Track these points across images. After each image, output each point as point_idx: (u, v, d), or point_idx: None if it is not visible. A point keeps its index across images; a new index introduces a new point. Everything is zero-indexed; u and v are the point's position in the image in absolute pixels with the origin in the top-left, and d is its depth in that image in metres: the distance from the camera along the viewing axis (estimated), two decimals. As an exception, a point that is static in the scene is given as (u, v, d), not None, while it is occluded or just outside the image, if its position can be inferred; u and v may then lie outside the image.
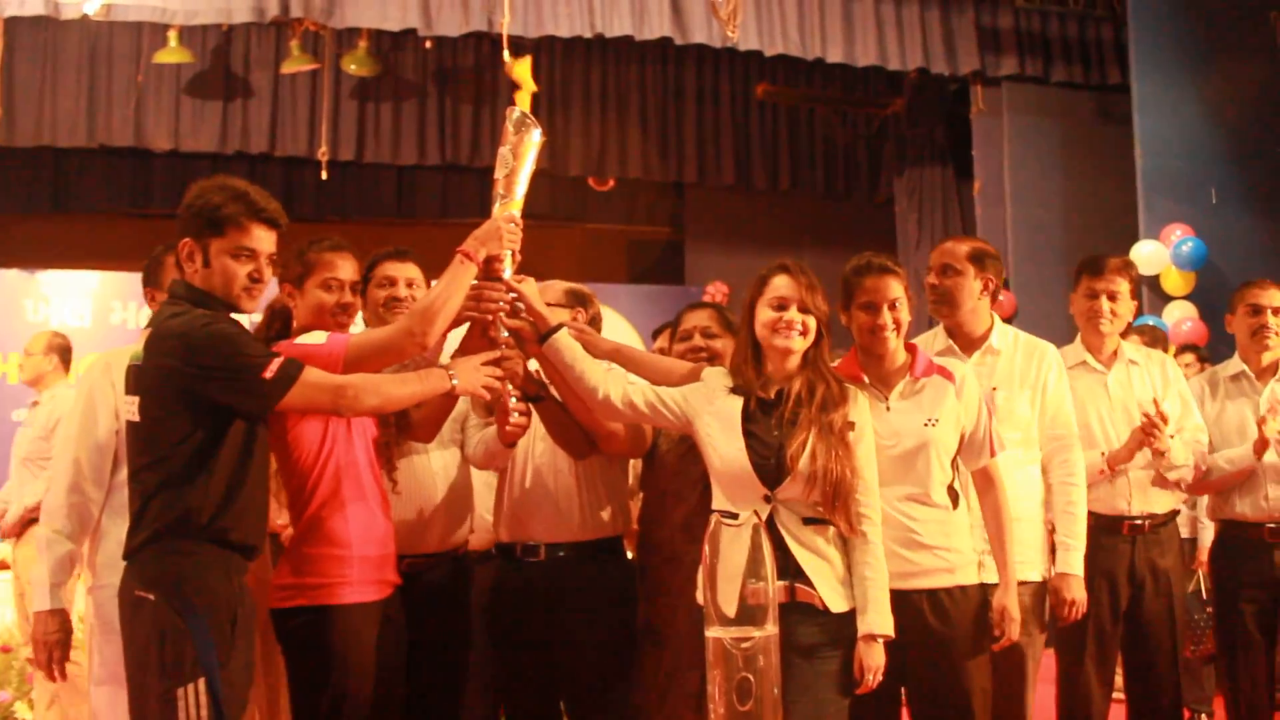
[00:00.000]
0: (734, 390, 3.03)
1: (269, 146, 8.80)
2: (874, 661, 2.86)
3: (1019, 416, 3.51)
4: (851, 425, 2.95)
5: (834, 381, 3.00)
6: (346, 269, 3.18)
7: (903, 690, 3.16)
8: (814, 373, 3.00)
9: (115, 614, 2.84)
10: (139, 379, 2.78)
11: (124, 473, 3.19)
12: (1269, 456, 3.99)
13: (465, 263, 3.02)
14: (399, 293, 3.38)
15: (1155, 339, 5.69)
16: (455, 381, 2.96)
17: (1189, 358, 6.11)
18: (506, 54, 7.21)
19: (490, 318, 3.11)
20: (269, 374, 2.69)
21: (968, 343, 3.61)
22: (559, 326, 3.09)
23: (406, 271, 3.42)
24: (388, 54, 8.94)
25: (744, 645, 2.30)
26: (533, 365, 3.23)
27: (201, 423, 2.72)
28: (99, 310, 9.09)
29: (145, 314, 8.68)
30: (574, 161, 9.43)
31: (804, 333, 2.99)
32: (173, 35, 8.12)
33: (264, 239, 2.83)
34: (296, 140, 8.83)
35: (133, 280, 8.73)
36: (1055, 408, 3.60)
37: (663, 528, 3.45)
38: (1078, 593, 3.48)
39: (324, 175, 8.82)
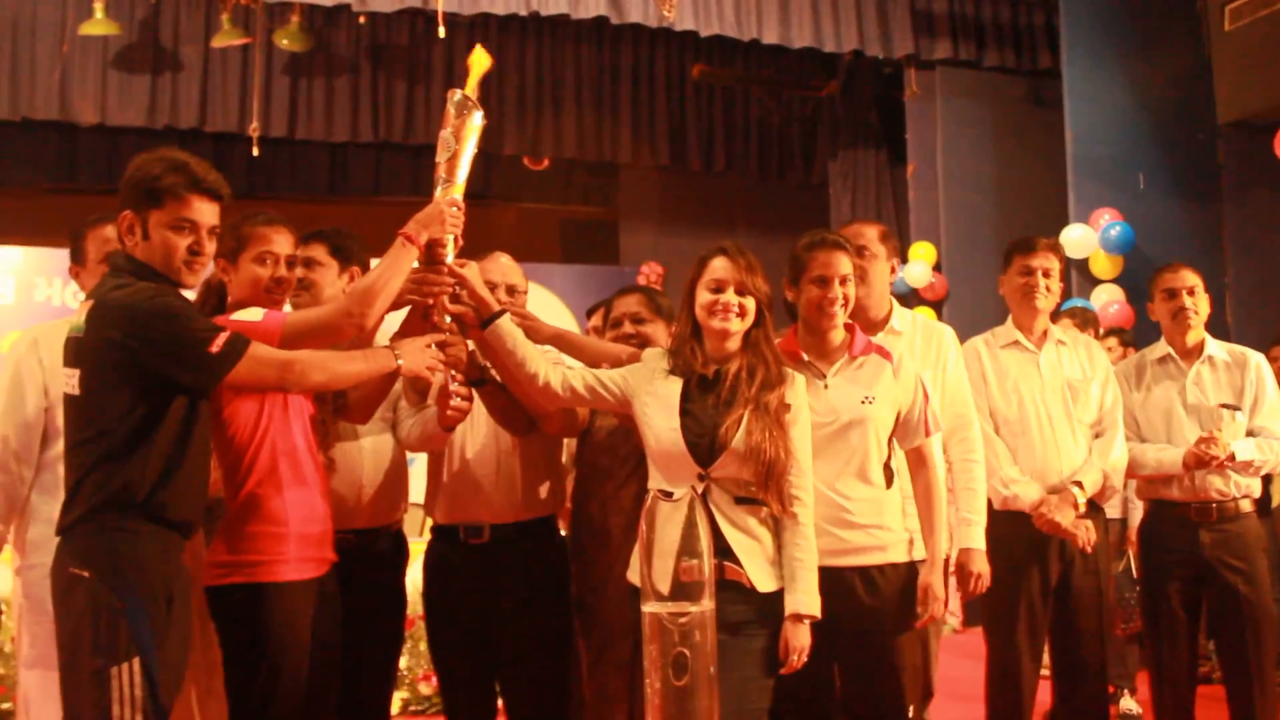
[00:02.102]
0: (673, 371, 3.04)
1: (199, 121, 8.65)
2: (799, 642, 2.88)
3: None
4: (787, 407, 2.96)
5: (774, 362, 3.01)
6: (282, 243, 3.15)
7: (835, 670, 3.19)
8: (753, 354, 3.01)
9: (45, 594, 2.80)
10: (79, 351, 2.72)
11: (53, 450, 3.15)
12: (1192, 436, 4.05)
13: (406, 245, 2.99)
14: (314, 275, 3.36)
15: (1086, 321, 5.78)
16: (400, 362, 2.96)
17: (1112, 341, 6.21)
18: (441, 30, 7.17)
19: (432, 302, 3.09)
20: (215, 348, 2.66)
21: (869, 324, 3.63)
22: (501, 312, 3.08)
23: (312, 252, 3.38)
24: (320, 29, 8.81)
25: (681, 620, 2.31)
26: (470, 346, 3.22)
27: (143, 397, 2.67)
28: (22, 287, 8.90)
29: (71, 290, 8.58)
30: (509, 140, 9.37)
31: (741, 314, 3.00)
32: (99, 6, 7.93)
33: (204, 211, 2.78)
34: (227, 116, 8.69)
35: (57, 256, 8.61)
36: (954, 388, 3.66)
37: (593, 504, 3.48)
38: (981, 566, 3.52)
39: (255, 151, 8.68)
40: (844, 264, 3.19)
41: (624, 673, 3.34)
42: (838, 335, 3.22)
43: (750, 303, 3.01)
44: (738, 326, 3.00)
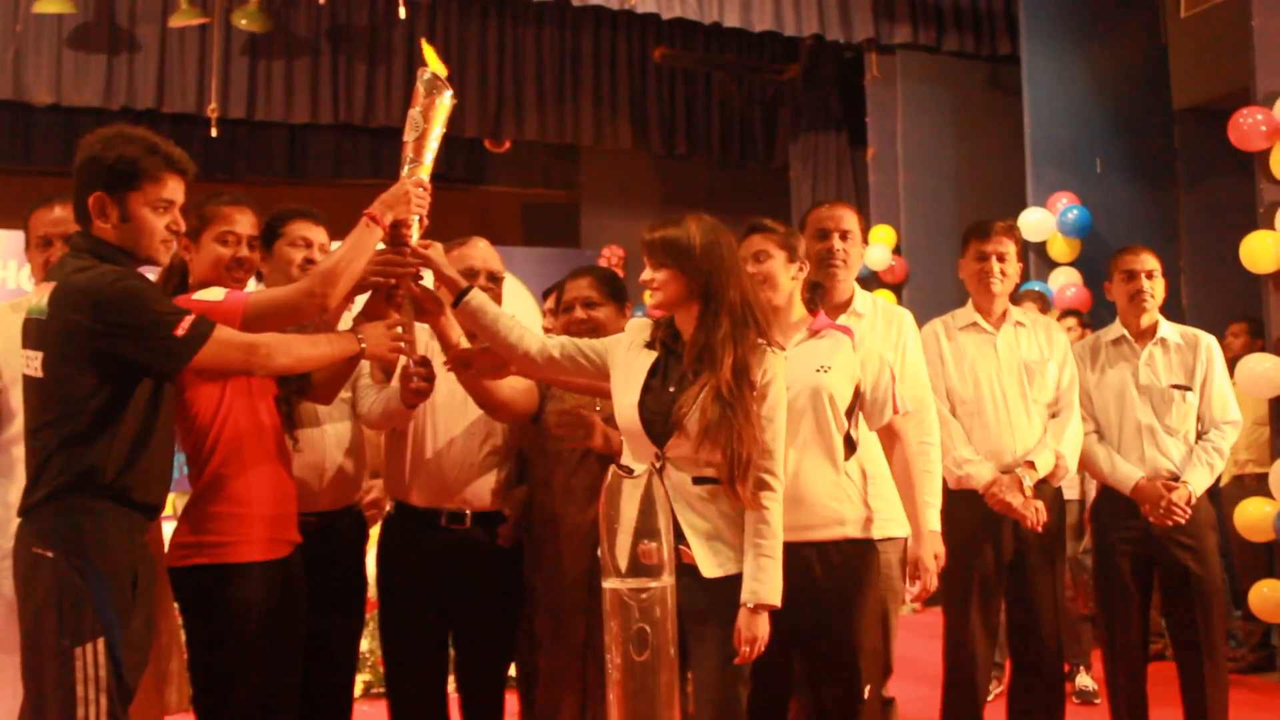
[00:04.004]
0: (650, 344, 3.01)
1: (156, 102, 8.55)
2: (752, 632, 2.78)
3: None
4: (754, 385, 2.87)
5: (737, 344, 2.90)
6: (244, 223, 3.13)
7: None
8: (710, 334, 2.91)
9: (4, 577, 2.78)
10: (42, 334, 2.70)
11: (8, 432, 3.11)
12: (1144, 417, 4.13)
13: (371, 226, 2.98)
14: (315, 255, 3.33)
15: (1045, 305, 5.84)
16: (364, 345, 2.96)
17: (1071, 321, 6.28)
18: (402, 11, 7.14)
19: (395, 283, 3.09)
20: (181, 331, 2.65)
21: (832, 307, 3.67)
22: (470, 287, 3.07)
23: (320, 235, 3.37)
24: (279, 10, 8.75)
25: (641, 596, 2.33)
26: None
27: (108, 380, 2.65)
28: (-23, 268, 8.82)
29: (26, 272, 8.48)
30: (470, 123, 9.34)
31: (655, 289, 2.98)
32: (54, -16, 7.85)
33: (178, 190, 2.78)
34: (185, 96, 8.60)
35: (12, 238, 8.52)
36: (913, 371, 3.69)
37: (544, 490, 3.48)
38: (938, 547, 3.56)
39: (214, 132, 8.60)
40: (756, 243, 3.21)
41: (577, 655, 3.37)
42: (795, 312, 3.23)
43: (666, 279, 2.94)
44: (650, 299, 3.00)
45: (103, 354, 2.64)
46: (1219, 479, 5.48)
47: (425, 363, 3.18)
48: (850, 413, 3.17)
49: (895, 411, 3.23)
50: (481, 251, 3.45)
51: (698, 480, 2.87)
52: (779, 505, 2.87)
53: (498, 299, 3.37)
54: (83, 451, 2.64)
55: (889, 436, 3.29)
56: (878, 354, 3.24)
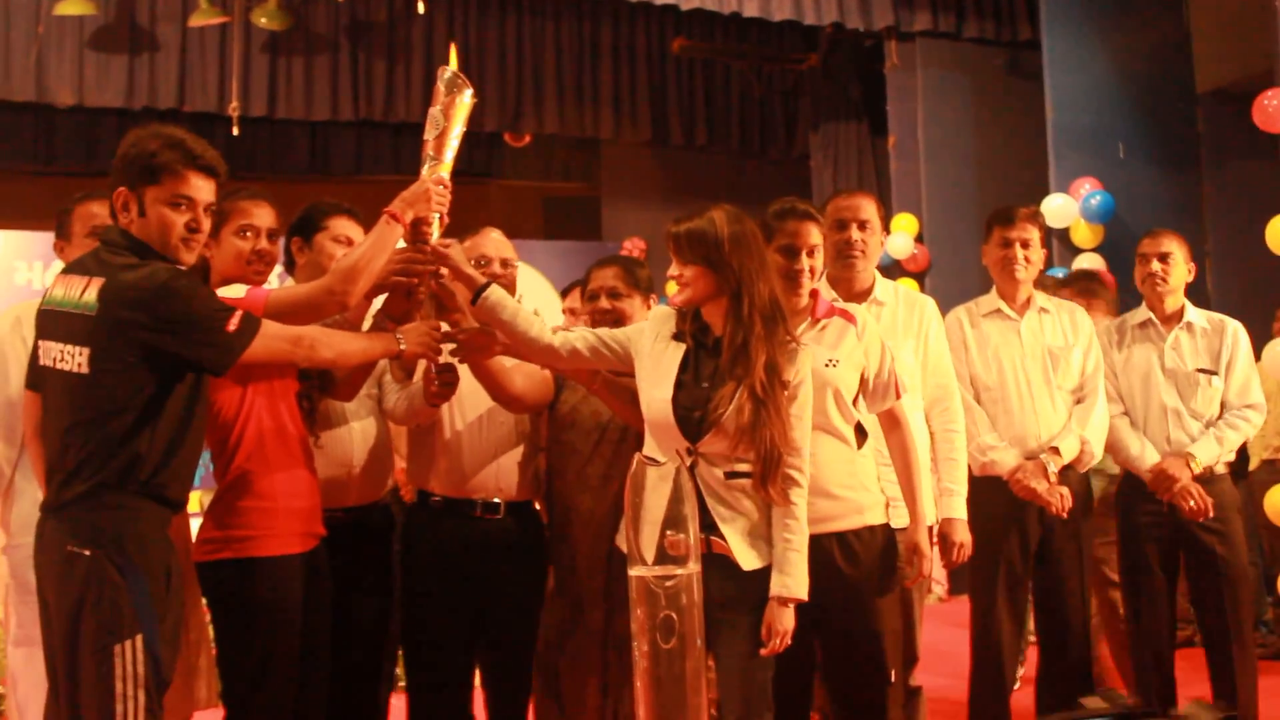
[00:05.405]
0: (677, 335, 3.00)
1: (177, 102, 8.59)
2: (782, 625, 2.82)
3: (905, 366, 3.57)
4: (785, 384, 2.88)
5: (767, 339, 2.90)
6: (263, 216, 3.14)
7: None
8: (747, 330, 2.89)
9: (32, 574, 2.78)
10: (90, 330, 2.66)
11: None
12: (1169, 400, 4.13)
13: (391, 224, 2.99)
14: None
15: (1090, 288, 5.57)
16: (403, 346, 2.98)
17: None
18: (421, 6, 7.14)
19: (416, 281, 3.09)
20: (232, 327, 2.66)
21: (853, 295, 3.67)
22: (488, 284, 3.07)
23: (360, 236, 3.37)
24: (299, 7, 8.77)
25: (667, 583, 2.33)
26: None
27: (155, 377, 2.66)
28: (3, 270, 8.86)
29: (53, 273, 8.52)
30: (490, 117, 9.35)
31: (684, 285, 2.97)
32: (75, -14, 7.89)
33: (201, 188, 2.76)
34: (206, 95, 8.64)
35: (37, 239, 8.58)
36: (936, 358, 3.69)
37: (560, 480, 3.50)
38: (964, 535, 3.55)
39: (235, 131, 8.63)
40: (814, 235, 3.18)
41: (597, 642, 3.38)
42: (800, 300, 3.18)
43: (695, 275, 2.93)
44: (676, 295, 2.98)
45: (154, 351, 2.64)
46: (1247, 463, 5.44)
47: (449, 368, 3.19)
48: (857, 401, 3.16)
49: (898, 396, 3.22)
50: (494, 241, 3.48)
51: (730, 475, 2.88)
52: (805, 500, 2.89)
53: (512, 284, 3.39)
54: (122, 449, 2.64)
55: (890, 422, 3.26)
56: (879, 339, 3.22)
